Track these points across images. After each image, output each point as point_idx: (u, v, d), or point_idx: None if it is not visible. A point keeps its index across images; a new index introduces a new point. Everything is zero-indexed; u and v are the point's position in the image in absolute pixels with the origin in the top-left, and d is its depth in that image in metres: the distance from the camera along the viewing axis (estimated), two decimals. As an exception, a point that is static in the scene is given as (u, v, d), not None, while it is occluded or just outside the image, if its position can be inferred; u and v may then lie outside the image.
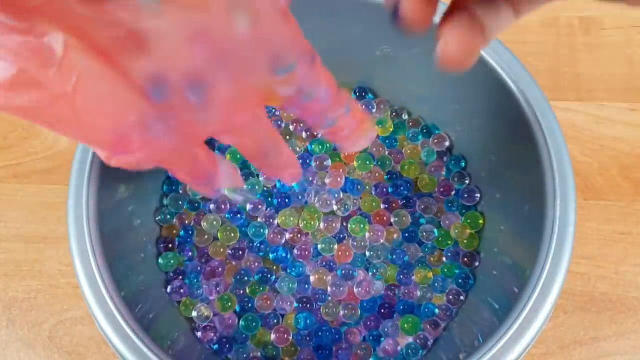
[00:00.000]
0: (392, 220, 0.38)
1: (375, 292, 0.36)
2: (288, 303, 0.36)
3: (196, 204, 0.39)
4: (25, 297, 0.40)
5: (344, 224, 0.38)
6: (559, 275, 0.28)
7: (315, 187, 0.39)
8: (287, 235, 0.37)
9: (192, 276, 0.37)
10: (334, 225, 0.37)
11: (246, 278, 0.36)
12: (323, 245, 0.37)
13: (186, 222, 0.38)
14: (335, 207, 0.38)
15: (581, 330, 0.38)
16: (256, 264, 0.37)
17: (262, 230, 0.37)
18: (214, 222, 0.38)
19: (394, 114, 0.42)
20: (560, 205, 0.29)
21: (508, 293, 0.30)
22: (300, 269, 0.37)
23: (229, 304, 0.35)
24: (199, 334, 0.36)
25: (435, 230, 0.38)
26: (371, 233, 0.37)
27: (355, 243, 0.37)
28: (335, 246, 0.37)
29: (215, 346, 0.35)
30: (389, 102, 0.42)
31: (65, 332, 0.39)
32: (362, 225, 0.37)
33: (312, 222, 0.37)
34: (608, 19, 0.48)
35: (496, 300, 0.32)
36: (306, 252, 0.37)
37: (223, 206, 0.39)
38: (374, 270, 0.37)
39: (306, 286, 0.36)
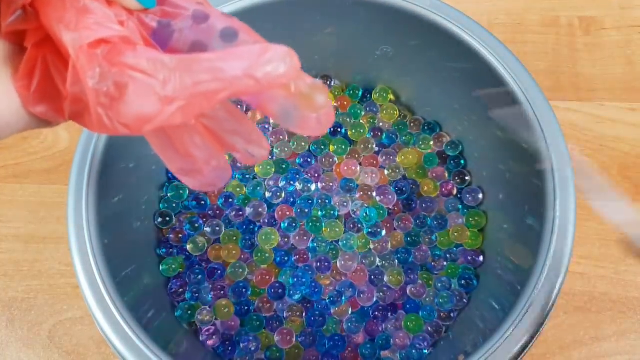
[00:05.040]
0: (395, 225, 0.38)
1: (380, 298, 0.36)
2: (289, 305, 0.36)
3: (199, 203, 0.39)
4: (25, 297, 0.40)
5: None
6: (559, 275, 0.28)
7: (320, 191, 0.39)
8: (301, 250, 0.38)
9: (192, 278, 0.37)
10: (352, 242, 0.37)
11: (245, 290, 0.36)
12: (343, 263, 0.37)
13: (185, 224, 0.38)
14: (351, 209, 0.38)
15: (581, 330, 0.38)
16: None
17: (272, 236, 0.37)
18: (217, 228, 0.38)
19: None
20: (560, 205, 0.29)
21: (509, 293, 0.30)
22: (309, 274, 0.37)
23: (226, 310, 0.35)
24: (201, 337, 0.36)
25: (434, 236, 0.38)
26: (377, 245, 0.38)
27: (365, 261, 0.37)
28: (355, 265, 0.37)
29: (220, 349, 0.35)
30: (391, 103, 0.42)
31: (65, 332, 0.39)
32: (364, 241, 0.37)
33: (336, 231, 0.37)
34: (608, 19, 0.48)
35: (497, 300, 0.32)
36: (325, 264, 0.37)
37: (233, 213, 0.39)
38: (380, 277, 0.37)
39: (316, 290, 0.36)
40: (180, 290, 0.36)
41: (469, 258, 0.37)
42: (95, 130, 0.17)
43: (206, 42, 0.18)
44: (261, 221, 0.38)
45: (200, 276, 0.37)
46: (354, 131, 0.41)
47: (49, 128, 0.19)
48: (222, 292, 0.37)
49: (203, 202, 0.39)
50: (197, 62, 0.17)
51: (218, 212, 0.39)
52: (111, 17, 0.17)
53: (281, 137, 0.41)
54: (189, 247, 0.37)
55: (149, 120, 0.17)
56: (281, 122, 0.19)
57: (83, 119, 0.18)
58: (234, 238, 0.38)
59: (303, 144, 0.40)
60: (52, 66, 0.18)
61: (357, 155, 0.40)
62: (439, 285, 0.36)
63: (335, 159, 0.40)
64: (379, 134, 0.41)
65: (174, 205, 0.39)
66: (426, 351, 0.35)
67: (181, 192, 0.39)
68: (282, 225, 0.38)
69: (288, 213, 0.38)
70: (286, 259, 0.37)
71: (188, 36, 0.18)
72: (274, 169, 0.40)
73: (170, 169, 0.21)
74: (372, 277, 0.37)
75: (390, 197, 0.38)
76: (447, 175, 0.40)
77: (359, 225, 0.38)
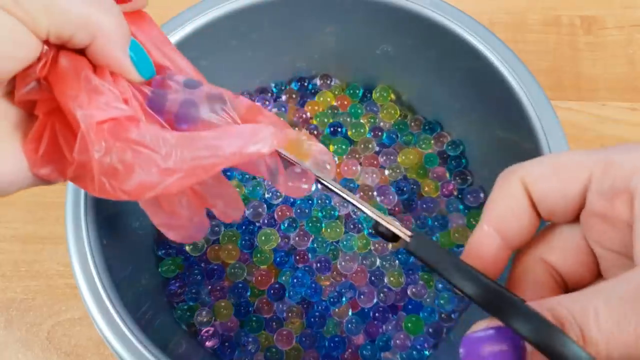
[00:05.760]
0: None
1: (380, 299, 0.36)
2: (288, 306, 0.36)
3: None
4: (23, 297, 0.39)
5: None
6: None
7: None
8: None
9: (191, 279, 0.37)
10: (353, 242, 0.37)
11: (244, 291, 0.36)
12: (343, 264, 0.37)
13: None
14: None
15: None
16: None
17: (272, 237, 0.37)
18: (216, 228, 0.37)
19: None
20: (562, 206, 0.29)
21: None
22: (308, 276, 0.36)
23: (225, 311, 0.35)
24: (200, 338, 0.35)
25: (435, 237, 0.38)
26: (377, 245, 0.37)
27: (366, 262, 0.37)
28: (355, 266, 0.37)
29: (219, 350, 0.35)
30: (392, 102, 0.42)
31: (63, 332, 0.38)
32: (365, 242, 0.37)
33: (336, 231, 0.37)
34: (610, 18, 0.48)
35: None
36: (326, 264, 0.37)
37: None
38: (381, 278, 0.36)
39: (316, 291, 0.36)
40: (179, 291, 0.36)
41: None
42: (96, 194, 0.19)
43: (197, 102, 0.21)
44: (260, 221, 0.38)
45: (199, 277, 0.37)
46: (354, 131, 0.40)
47: (48, 185, 0.21)
48: (221, 293, 0.36)
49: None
50: (196, 140, 0.19)
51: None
52: (118, 97, 0.19)
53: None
54: (187, 247, 0.37)
55: (150, 189, 0.19)
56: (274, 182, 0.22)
57: (85, 183, 0.19)
58: (233, 238, 0.37)
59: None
60: (60, 134, 0.19)
61: (357, 155, 0.40)
62: (440, 286, 0.36)
63: (335, 158, 0.40)
64: (380, 133, 0.41)
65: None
66: (427, 352, 0.35)
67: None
68: (282, 225, 0.38)
69: (288, 213, 0.38)
70: (286, 259, 0.37)
71: (179, 98, 0.21)
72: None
73: (154, 222, 0.23)
74: (373, 278, 0.36)
75: (391, 197, 0.38)
76: (448, 175, 0.40)
77: (360, 226, 0.38)
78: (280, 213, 0.38)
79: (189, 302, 0.36)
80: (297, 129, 0.41)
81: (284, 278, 0.36)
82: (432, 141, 0.40)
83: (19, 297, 0.39)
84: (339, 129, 0.41)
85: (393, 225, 0.19)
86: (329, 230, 0.37)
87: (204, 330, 0.35)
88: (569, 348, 0.14)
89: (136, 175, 0.18)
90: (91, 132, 0.18)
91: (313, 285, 0.36)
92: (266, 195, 0.39)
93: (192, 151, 0.19)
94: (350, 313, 0.36)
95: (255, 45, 0.38)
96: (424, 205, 0.39)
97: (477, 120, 0.38)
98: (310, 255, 0.37)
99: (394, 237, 0.20)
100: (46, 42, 0.18)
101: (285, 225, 0.37)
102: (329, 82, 0.42)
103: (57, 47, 0.19)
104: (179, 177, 0.19)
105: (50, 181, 0.20)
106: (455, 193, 0.39)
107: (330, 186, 0.21)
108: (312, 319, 0.35)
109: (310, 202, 0.38)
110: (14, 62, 0.17)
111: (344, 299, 0.36)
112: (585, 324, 0.14)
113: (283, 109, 0.42)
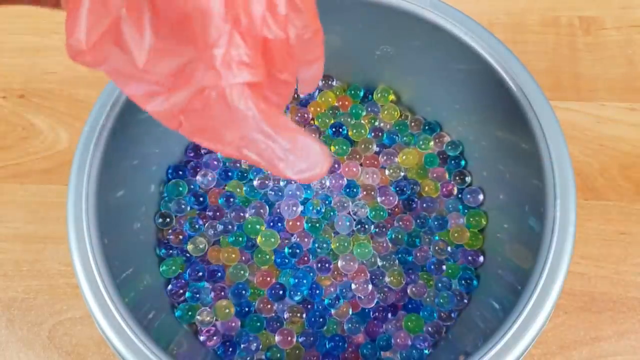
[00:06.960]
0: (395, 224, 0.38)
1: (380, 298, 0.36)
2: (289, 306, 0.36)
3: (197, 200, 0.39)
4: (24, 297, 0.40)
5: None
6: (560, 276, 0.28)
7: (318, 189, 0.39)
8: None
9: (192, 279, 0.37)
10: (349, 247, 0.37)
11: (244, 292, 0.36)
12: (344, 263, 0.37)
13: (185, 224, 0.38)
14: (355, 228, 0.38)
15: (581, 330, 0.38)
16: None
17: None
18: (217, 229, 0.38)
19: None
20: (560, 205, 0.29)
21: (510, 293, 0.30)
22: (310, 274, 0.37)
23: (227, 310, 0.35)
24: (201, 337, 0.35)
25: (435, 237, 0.38)
26: (376, 244, 0.37)
27: (366, 261, 0.37)
28: (356, 265, 0.37)
29: (220, 350, 0.35)
30: (392, 103, 0.42)
31: (64, 332, 0.39)
32: (367, 250, 0.37)
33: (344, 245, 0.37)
34: (609, 18, 0.48)
35: (497, 300, 0.32)
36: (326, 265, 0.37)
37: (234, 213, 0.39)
38: (382, 277, 0.37)
39: (317, 291, 0.36)
40: (181, 291, 0.36)
41: (469, 258, 0.37)
42: (146, 105, 0.17)
43: None
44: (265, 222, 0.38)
45: (200, 277, 0.37)
46: (354, 131, 0.41)
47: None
48: (223, 293, 0.36)
49: (202, 199, 0.39)
50: (274, 143, 0.18)
51: (218, 212, 0.39)
52: (249, 46, 0.17)
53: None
54: (189, 247, 0.37)
55: (206, 140, 0.18)
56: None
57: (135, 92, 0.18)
58: (234, 239, 0.37)
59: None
60: (128, 34, 0.17)
61: (357, 156, 0.40)
62: (440, 285, 0.36)
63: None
64: (380, 134, 0.41)
65: (176, 204, 0.39)
66: (427, 351, 0.35)
67: (180, 189, 0.39)
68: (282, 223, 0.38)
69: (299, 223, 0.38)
70: (286, 260, 0.37)
71: None
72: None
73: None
74: (373, 278, 0.37)
75: (391, 198, 0.38)
76: (447, 175, 0.40)
77: (365, 227, 0.38)
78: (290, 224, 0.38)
79: (190, 301, 0.36)
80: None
81: (284, 278, 0.37)
82: (432, 142, 0.41)
83: (21, 296, 0.40)
84: (341, 130, 0.41)
85: None
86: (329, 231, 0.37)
87: (205, 330, 0.36)
88: None
89: (206, 126, 0.17)
90: (213, 94, 0.16)
91: (314, 285, 0.36)
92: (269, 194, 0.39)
93: (263, 150, 0.18)
94: (350, 313, 0.36)
95: (256, 46, 0.38)
96: (424, 205, 0.39)
97: (477, 120, 0.38)
98: (311, 256, 0.37)
99: None
100: None
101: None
102: (330, 82, 0.43)
103: None
104: (235, 154, 0.18)
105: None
106: (455, 193, 0.39)
107: None
108: (312, 319, 0.35)
109: (312, 208, 0.38)
110: None
111: (341, 300, 0.36)
112: None
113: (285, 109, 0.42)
